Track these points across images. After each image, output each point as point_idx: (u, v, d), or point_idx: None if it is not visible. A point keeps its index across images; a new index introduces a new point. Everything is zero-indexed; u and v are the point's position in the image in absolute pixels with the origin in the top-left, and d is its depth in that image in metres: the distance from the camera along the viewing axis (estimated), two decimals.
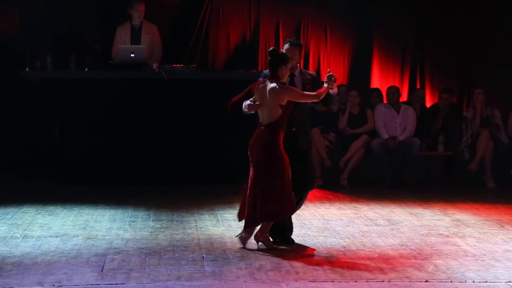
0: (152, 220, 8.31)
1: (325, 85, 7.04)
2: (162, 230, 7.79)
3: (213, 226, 8.00)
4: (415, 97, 11.87)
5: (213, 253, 6.83)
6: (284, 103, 6.91)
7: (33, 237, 7.41)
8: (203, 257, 6.68)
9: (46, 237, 7.44)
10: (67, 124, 10.65)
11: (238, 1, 12.29)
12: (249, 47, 12.29)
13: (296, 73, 7.28)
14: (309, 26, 12.41)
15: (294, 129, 7.16)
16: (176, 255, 6.76)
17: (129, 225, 8.06)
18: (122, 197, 9.60)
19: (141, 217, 8.43)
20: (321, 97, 7.00)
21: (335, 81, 7.03)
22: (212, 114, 10.58)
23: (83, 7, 11.59)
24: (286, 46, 7.23)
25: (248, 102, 7.06)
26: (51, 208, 8.86)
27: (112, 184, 10.34)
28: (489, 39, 12.27)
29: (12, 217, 8.39)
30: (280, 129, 6.96)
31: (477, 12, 12.29)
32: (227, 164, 10.64)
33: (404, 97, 12.14)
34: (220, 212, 8.74)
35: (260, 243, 7.02)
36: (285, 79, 7.06)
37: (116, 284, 5.87)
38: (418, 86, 12.41)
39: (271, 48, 7.12)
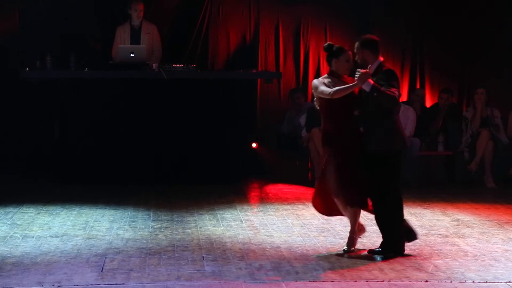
0: (152, 220, 8.31)
1: (352, 83, 6.87)
2: (162, 230, 7.79)
3: (213, 226, 8.00)
4: (415, 97, 11.86)
5: (213, 253, 6.83)
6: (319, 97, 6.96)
7: (33, 237, 7.41)
8: (203, 257, 6.68)
9: (46, 237, 7.44)
10: (67, 124, 10.65)
11: (238, 1, 12.29)
12: (249, 47, 12.29)
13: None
14: (309, 26, 12.41)
15: (361, 129, 6.99)
16: (176, 255, 6.76)
17: (129, 225, 8.06)
18: (122, 197, 9.60)
19: (141, 217, 8.43)
20: (337, 95, 6.80)
21: (359, 75, 6.77)
22: (211, 114, 10.60)
23: (83, 7, 11.58)
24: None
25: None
26: (51, 208, 8.86)
27: (112, 184, 10.34)
28: (489, 39, 12.26)
29: (12, 217, 8.39)
30: (330, 125, 6.96)
31: (477, 12, 12.29)
32: (227, 164, 10.66)
33: (404, 97, 12.13)
34: (220, 212, 8.74)
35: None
36: (344, 72, 7.00)
37: (116, 284, 5.86)
38: (418, 86, 12.41)
39: (326, 43, 7.10)
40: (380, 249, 6.87)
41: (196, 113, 10.59)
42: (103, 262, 6.48)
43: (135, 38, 11.08)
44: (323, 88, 6.89)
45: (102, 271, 6.21)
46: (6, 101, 11.37)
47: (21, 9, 11.66)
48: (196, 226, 8.01)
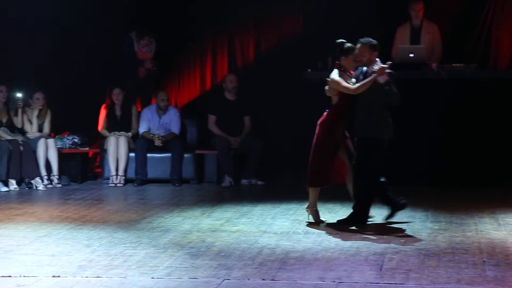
0: (430, 221, 8.24)
1: (370, 77, 7.75)
2: (441, 232, 7.70)
3: (494, 230, 7.76)
4: None
5: (495, 257, 6.63)
6: (334, 90, 7.96)
7: (314, 233, 7.63)
8: (484, 261, 6.52)
9: (326, 233, 7.63)
10: None
11: None
12: None
13: (369, 69, 7.90)
14: None
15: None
16: (456, 258, 6.65)
17: (407, 225, 8.04)
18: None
19: (418, 218, 8.38)
20: (359, 90, 7.78)
21: (379, 68, 7.69)
22: (494, 114, 10.30)
23: (364, 8, 11.69)
24: (357, 45, 7.96)
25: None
26: (330, 205, 9.02)
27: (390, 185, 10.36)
28: None
29: (294, 213, 8.69)
30: (337, 114, 7.96)
31: None
32: (510, 167, 10.30)
33: None
34: (502, 216, 8.45)
35: (309, 215, 8.11)
36: (350, 68, 8.04)
37: (395, 283, 5.87)
38: None
39: (338, 40, 8.09)
40: (347, 218, 7.98)
41: (479, 114, 10.35)
42: (381, 261, 6.52)
43: (414, 38, 11.04)
44: (346, 84, 7.88)
45: (381, 270, 6.25)
46: (290, 99, 11.74)
47: (306, 10, 12.04)
48: (476, 229, 7.83)
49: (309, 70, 10.82)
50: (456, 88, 10.40)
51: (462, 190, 10.10)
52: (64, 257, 6.62)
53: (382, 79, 7.79)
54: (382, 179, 8.11)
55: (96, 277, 6.02)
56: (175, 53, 12.34)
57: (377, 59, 8.00)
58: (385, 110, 7.96)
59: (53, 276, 6.02)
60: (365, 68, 8.02)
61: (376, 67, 7.81)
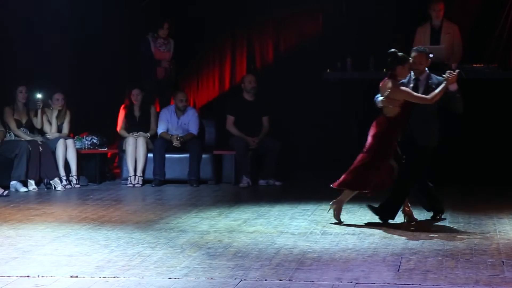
0: (449, 222, 8.20)
1: (442, 85, 7.73)
2: (459, 233, 7.66)
3: None
4: None
5: None
6: (396, 100, 7.79)
7: (331, 234, 7.62)
8: (503, 262, 6.47)
9: (343, 234, 7.61)
10: (364, 123, 10.79)
11: None
12: None
13: (422, 77, 7.95)
14: None
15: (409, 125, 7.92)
16: (474, 258, 6.61)
17: (425, 226, 8.01)
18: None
19: (437, 218, 8.34)
20: (435, 98, 7.72)
21: (452, 77, 7.73)
22: None
23: (383, 8, 11.65)
24: (413, 53, 7.96)
25: (379, 97, 7.95)
26: (348, 206, 8.99)
27: None
28: None
29: (312, 213, 8.68)
30: (397, 125, 7.85)
31: None
32: None
33: None
34: None
35: (331, 209, 8.14)
36: (404, 77, 7.93)
37: (412, 284, 5.84)
38: None
39: (391, 50, 7.95)
40: (377, 208, 8.05)
41: (499, 114, 10.30)
42: (399, 261, 6.50)
43: (434, 38, 11.00)
44: (418, 93, 7.82)
45: (398, 270, 6.23)
46: (308, 100, 11.73)
47: (325, 11, 12.02)
48: (495, 230, 7.78)
49: (328, 70, 10.83)
50: (477, 89, 10.34)
51: (481, 190, 10.05)
52: (82, 257, 6.65)
53: (453, 87, 7.83)
54: (431, 184, 8.26)
55: (114, 277, 6.03)
56: (194, 54, 12.36)
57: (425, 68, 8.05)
58: (437, 118, 8.02)
59: (71, 276, 6.03)
60: (413, 76, 8.01)
61: (447, 75, 7.80)
